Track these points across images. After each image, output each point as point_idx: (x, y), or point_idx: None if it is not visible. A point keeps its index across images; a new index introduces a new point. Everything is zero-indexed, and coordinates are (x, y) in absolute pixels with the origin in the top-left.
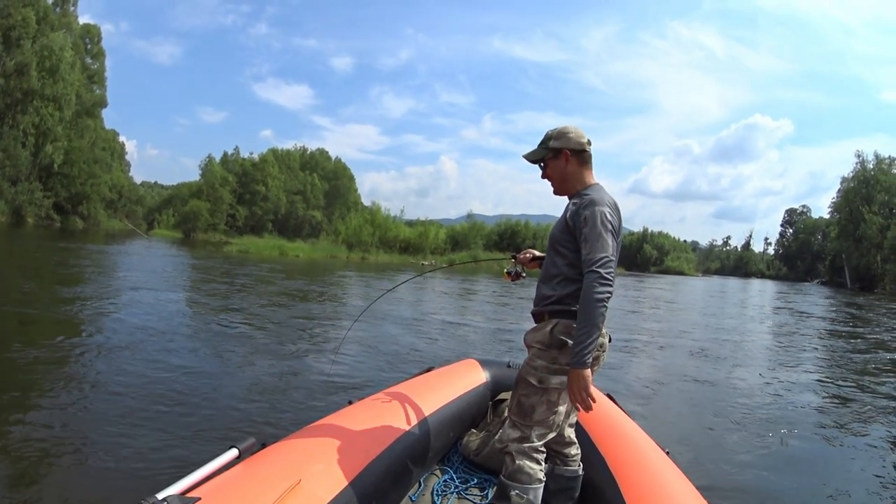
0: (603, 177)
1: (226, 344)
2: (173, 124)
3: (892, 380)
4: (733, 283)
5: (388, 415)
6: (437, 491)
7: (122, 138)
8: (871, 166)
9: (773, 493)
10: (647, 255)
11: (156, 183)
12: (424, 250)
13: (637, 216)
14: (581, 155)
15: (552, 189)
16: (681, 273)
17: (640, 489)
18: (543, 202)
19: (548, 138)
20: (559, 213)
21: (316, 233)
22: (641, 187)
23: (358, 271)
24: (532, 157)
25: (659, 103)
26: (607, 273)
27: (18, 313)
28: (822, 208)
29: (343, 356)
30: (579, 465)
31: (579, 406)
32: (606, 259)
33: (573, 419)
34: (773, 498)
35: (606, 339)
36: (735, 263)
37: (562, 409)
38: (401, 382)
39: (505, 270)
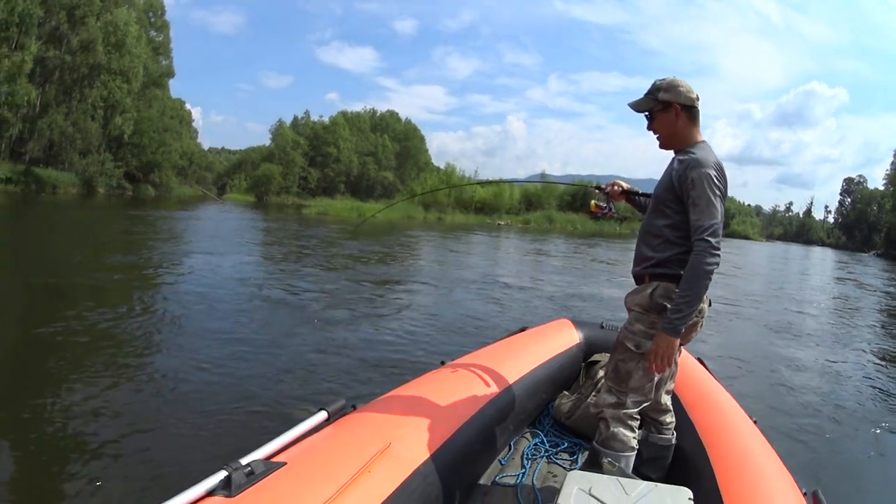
0: None
1: (311, 305)
2: (237, 91)
3: None
4: (795, 249)
5: (480, 376)
6: (527, 454)
7: (187, 106)
8: None
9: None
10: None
11: (223, 148)
12: (500, 210)
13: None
14: (690, 111)
15: (658, 143)
16: (746, 237)
17: (729, 459)
18: (612, 163)
19: (656, 89)
20: (627, 175)
21: (388, 193)
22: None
23: (434, 231)
24: (639, 107)
25: (719, 67)
26: (716, 242)
27: (96, 280)
28: (877, 179)
29: (434, 317)
30: (673, 434)
31: (655, 367)
32: (716, 226)
33: (670, 386)
34: (854, 475)
35: (706, 305)
36: (797, 230)
37: (657, 376)
38: (494, 342)
39: (595, 203)
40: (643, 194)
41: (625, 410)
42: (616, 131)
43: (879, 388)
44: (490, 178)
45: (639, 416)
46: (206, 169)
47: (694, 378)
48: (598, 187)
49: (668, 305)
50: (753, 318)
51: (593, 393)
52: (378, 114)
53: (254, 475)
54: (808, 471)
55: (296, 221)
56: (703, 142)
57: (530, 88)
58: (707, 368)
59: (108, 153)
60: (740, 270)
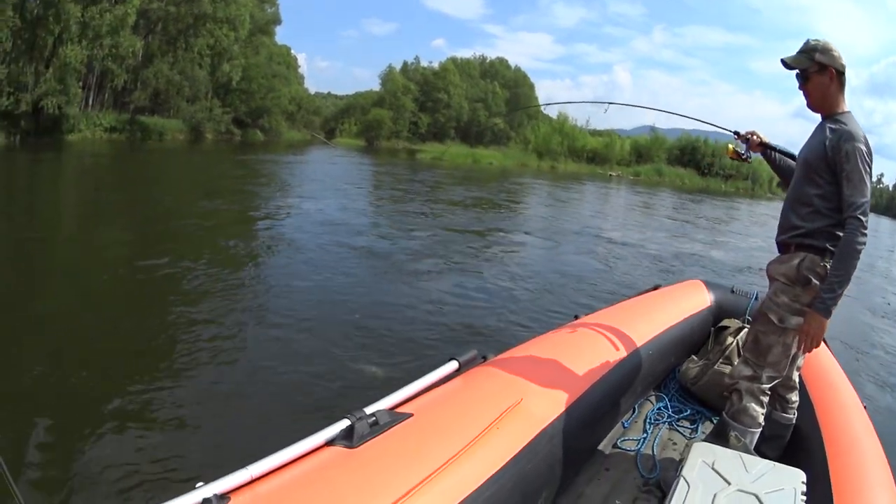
0: (768, 98)
1: (440, 251)
2: (341, 37)
3: None
4: (886, 223)
5: (612, 335)
6: (650, 419)
7: (293, 52)
8: None
9: None
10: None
11: (329, 93)
12: (610, 161)
13: (801, 141)
14: (841, 77)
15: (807, 103)
16: None
17: (842, 445)
18: (714, 118)
19: (812, 49)
20: (730, 129)
21: (498, 140)
22: (806, 112)
23: (551, 180)
24: (796, 65)
25: (813, 30)
26: (867, 220)
27: (215, 224)
28: None
29: (569, 269)
30: (795, 413)
31: (805, 347)
32: (866, 204)
33: (800, 363)
34: None
35: None
36: (887, 203)
37: (793, 352)
38: (627, 299)
39: (733, 148)
40: (780, 151)
41: (759, 385)
42: (718, 87)
43: None
44: (611, 129)
45: (770, 392)
46: (313, 113)
47: (817, 356)
48: (737, 133)
49: (813, 279)
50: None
51: (720, 360)
52: (487, 60)
53: (378, 426)
54: None
55: (412, 167)
56: (849, 112)
57: (635, 39)
58: (829, 347)
59: (216, 99)
60: None
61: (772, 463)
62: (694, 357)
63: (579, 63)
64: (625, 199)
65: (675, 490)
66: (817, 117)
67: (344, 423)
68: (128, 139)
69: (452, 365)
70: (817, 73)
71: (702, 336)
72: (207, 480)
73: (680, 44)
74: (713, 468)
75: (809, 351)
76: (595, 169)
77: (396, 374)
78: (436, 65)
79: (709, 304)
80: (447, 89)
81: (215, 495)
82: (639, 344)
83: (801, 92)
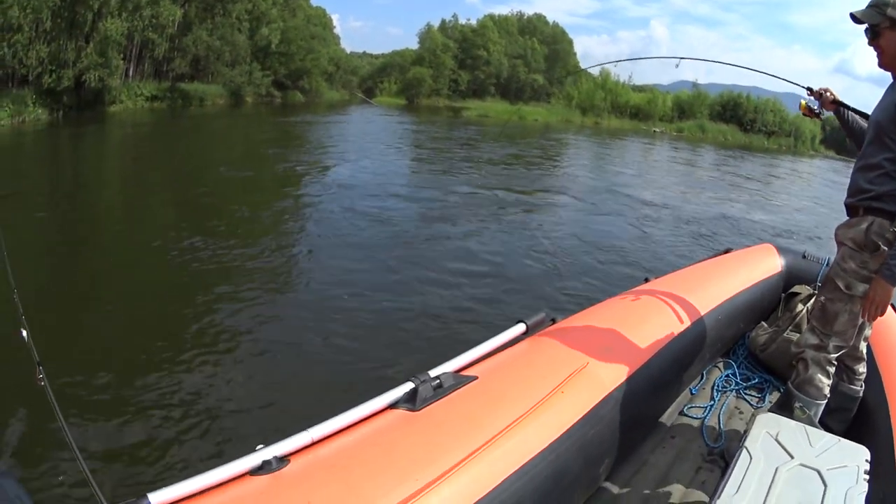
0: (807, 52)
1: (508, 211)
2: None
3: None
4: None
5: (681, 299)
6: (718, 386)
7: (328, 13)
8: None
9: None
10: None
11: (364, 52)
12: (653, 117)
13: (842, 97)
14: None
15: (878, 61)
16: None
17: None
18: (754, 74)
19: (884, 3)
20: (769, 88)
21: (538, 96)
22: (847, 67)
23: (596, 136)
24: (866, 19)
25: None
26: None
27: (257, 189)
28: None
29: (648, 229)
30: (862, 385)
31: (868, 315)
32: None
33: (868, 332)
34: None
35: None
36: None
37: (861, 321)
38: (698, 262)
39: (805, 104)
40: (854, 110)
41: (825, 354)
42: (757, 42)
43: None
44: (650, 85)
45: (836, 362)
46: (351, 73)
47: (887, 326)
48: (810, 89)
49: (882, 244)
50: None
51: (790, 327)
52: (525, 17)
53: (441, 388)
54: None
55: (458, 124)
56: None
57: None
58: None
59: (256, 63)
60: None
61: (836, 438)
62: (764, 323)
63: (615, 18)
64: (668, 155)
65: (737, 461)
66: (861, 73)
67: (408, 387)
68: (169, 107)
69: (520, 328)
70: (889, 28)
71: (772, 302)
72: (269, 443)
73: None
74: (777, 440)
75: (873, 319)
76: (638, 125)
77: (462, 336)
78: (474, 22)
79: (779, 269)
80: (486, 46)
81: (275, 457)
82: (708, 309)
83: (872, 48)
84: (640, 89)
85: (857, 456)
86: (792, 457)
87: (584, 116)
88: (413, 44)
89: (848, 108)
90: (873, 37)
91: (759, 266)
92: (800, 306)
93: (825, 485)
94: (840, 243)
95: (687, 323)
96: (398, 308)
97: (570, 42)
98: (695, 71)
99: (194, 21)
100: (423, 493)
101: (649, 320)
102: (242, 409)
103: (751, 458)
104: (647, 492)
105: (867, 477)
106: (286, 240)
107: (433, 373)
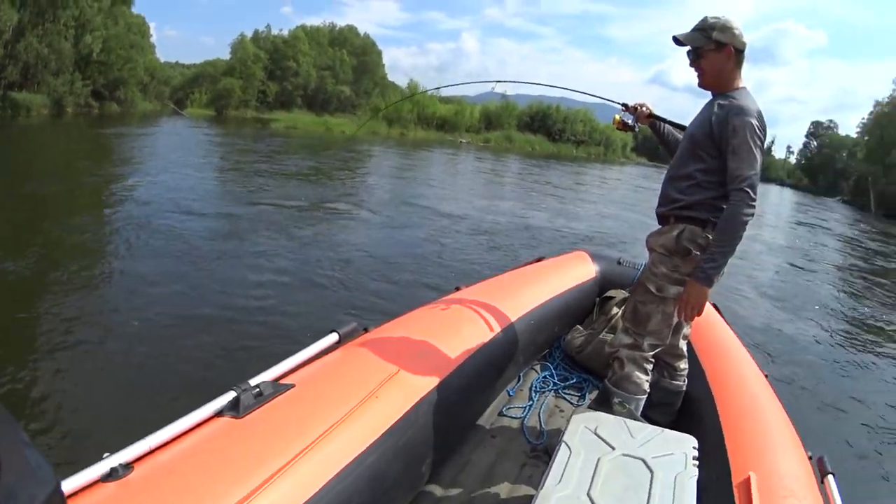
0: (623, 64)
1: (321, 225)
2: (191, 4)
3: None
4: (775, 190)
5: (494, 304)
6: (536, 387)
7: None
8: None
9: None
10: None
11: (177, 62)
12: (460, 128)
13: (657, 107)
14: (740, 55)
15: (699, 81)
16: None
17: (736, 411)
18: (569, 84)
19: (710, 27)
20: (580, 99)
21: (344, 107)
22: (663, 78)
23: (401, 147)
24: (691, 42)
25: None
26: (755, 193)
27: (72, 202)
28: (849, 126)
29: (450, 239)
30: (684, 381)
31: (685, 315)
32: (754, 177)
33: (687, 331)
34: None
35: None
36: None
37: (675, 321)
38: (510, 270)
39: (619, 119)
40: (669, 123)
41: (640, 352)
42: (571, 54)
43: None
44: (461, 96)
45: (653, 359)
46: (164, 83)
47: (708, 324)
48: (625, 105)
49: (693, 250)
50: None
51: (605, 329)
52: (337, 28)
53: (262, 396)
54: (817, 435)
55: (265, 137)
56: (745, 88)
57: (488, 6)
58: (722, 315)
59: (78, 72)
60: None
61: (660, 429)
62: (579, 327)
63: (427, 30)
64: (473, 166)
65: (556, 455)
66: (678, 84)
67: (230, 395)
68: None
69: (333, 337)
70: (714, 51)
71: (587, 306)
72: (113, 451)
73: (534, 12)
74: (596, 433)
75: (690, 320)
76: (444, 136)
77: (276, 346)
78: (286, 33)
79: (594, 275)
80: (296, 57)
81: (121, 464)
82: (521, 314)
83: (694, 69)
84: (447, 101)
85: (683, 444)
86: (613, 448)
87: (391, 128)
88: (225, 54)
89: (664, 121)
90: (696, 58)
91: (572, 272)
92: (615, 309)
93: (651, 471)
94: (651, 249)
95: (498, 328)
96: (210, 321)
97: (379, 53)
98: (501, 84)
99: (27, 27)
100: (255, 494)
101: (460, 327)
102: (83, 421)
103: (570, 451)
104: (473, 490)
105: (696, 463)
106: (88, 260)
107: (253, 381)
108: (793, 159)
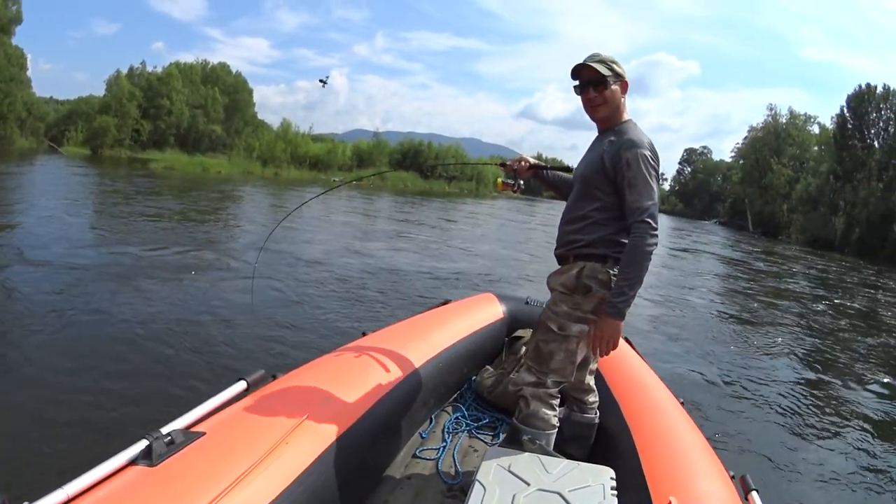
0: (492, 99)
1: (213, 271)
2: (66, 37)
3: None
4: (662, 220)
5: (401, 348)
6: (448, 428)
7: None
8: (784, 120)
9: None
10: (532, 184)
11: (51, 98)
12: (333, 166)
13: (526, 140)
14: (627, 87)
15: (596, 113)
16: None
17: (653, 439)
18: (435, 121)
19: (611, 61)
20: (449, 134)
21: (215, 147)
22: (532, 112)
23: (276, 187)
24: (596, 73)
25: (559, 32)
26: (655, 223)
27: None
28: (722, 151)
29: (353, 286)
30: (596, 413)
31: (601, 351)
32: (653, 208)
33: (593, 366)
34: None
35: None
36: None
37: (579, 358)
38: (418, 315)
39: (502, 181)
40: (551, 168)
41: (545, 389)
42: (441, 90)
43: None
44: (319, 134)
45: (559, 395)
46: (39, 119)
47: (619, 356)
48: (503, 164)
49: (593, 286)
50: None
51: (515, 369)
52: (210, 66)
53: (174, 444)
54: (737, 455)
55: (142, 177)
56: (631, 120)
57: (357, 44)
58: (633, 346)
59: None
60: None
61: (575, 463)
62: (489, 367)
63: (295, 68)
64: (346, 205)
65: (470, 494)
66: (547, 117)
67: (143, 444)
68: None
69: (241, 385)
70: (615, 84)
71: (496, 347)
72: (29, 500)
73: (403, 48)
74: (510, 471)
75: (606, 354)
76: (318, 175)
77: (182, 393)
78: (160, 70)
79: (501, 315)
80: (170, 95)
81: None
82: (430, 356)
83: (587, 101)
84: (318, 139)
85: (600, 475)
86: (528, 484)
87: (265, 168)
88: (99, 90)
89: (546, 168)
90: (599, 92)
91: (480, 314)
92: (524, 349)
93: None
94: (552, 289)
95: (407, 370)
96: (107, 369)
97: (251, 92)
98: (371, 118)
99: None
100: None
101: (369, 371)
102: None
103: (485, 490)
104: None
105: (615, 493)
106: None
107: (164, 430)
108: (666, 186)
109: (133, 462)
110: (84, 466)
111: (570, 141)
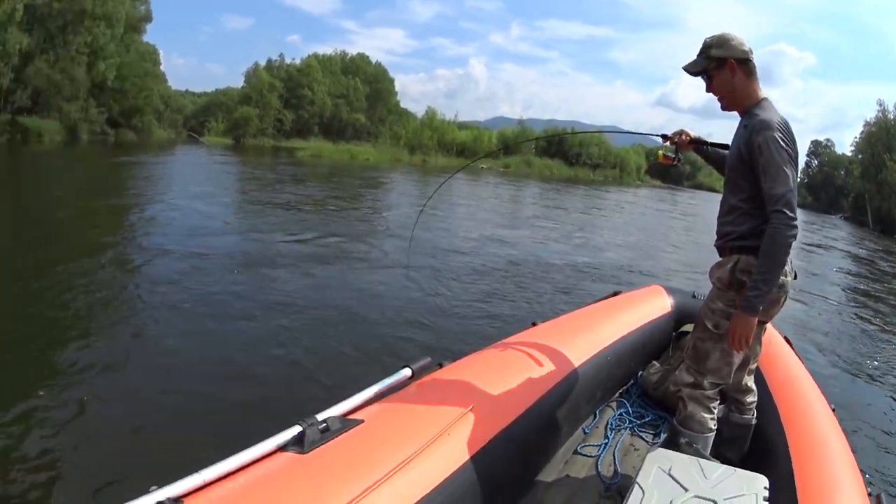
0: (629, 88)
1: (377, 258)
2: (199, 32)
3: None
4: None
5: (570, 340)
6: (611, 425)
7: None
8: (892, 116)
9: None
10: (680, 170)
11: (187, 91)
12: (479, 153)
13: (664, 129)
14: (747, 65)
15: (720, 105)
16: (712, 189)
17: (807, 448)
18: (574, 108)
19: (707, 46)
20: (589, 121)
21: (359, 135)
22: (668, 100)
23: (424, 173)
24: (693, 69)
25: (685, 21)
26: (791, 212)
27: (91, 238)
28: (844, 144)
29: (526, 278)
30: (753, 414)
31: (734, 347)
32: (789, 195)
33: (753, 366)
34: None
35: (790, 279)
36: None
37: (737, 359)
38: (586, 306)
39: (663, 153)
40: (712, 144)
41: (701, 391)
42: (578, 78)
43: None
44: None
45: (717, 396)
46: (177, 112)
47: (779, 357)
48: (664, 136)
49: (748, 281)
50: None
51: (681, 365)
52: (349, 56)
53: (329, 432)
54: (874, 472)
55: (294, 165)
56: (766, 99)
57: (493, 33)
58: (793, 348)
59: (92, 99)
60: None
61: (732, 469)
62: (655, 363)
63: (434, 56)
64: (497, 192)
65: (629, 497)
66: (683, 105)
67: (295, 430)
68: (8, 141)
69: (406, 372)
70: (717, 69)
71: (663, 341)
72: (161, 484)
73: (538, 37)
74: (670, 474)
75: (739, 350)
76: (465, 162)
77: (345, 381)
78: (298, 62)
79: (669, 309)
80: (311, 86)
81: (169, 498)
82: (597, 350)
83: (713, 94)
84: (462, 126)
85: (754, 484)
86: (686, 489)
87: (412, 155)
88: (236, 82)
89: (706, 143)
90: (709, 82)
91: (648, 307)
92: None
93: None
94: (712, 283)
95: (575, 363)
96: (269, 355)
97: (392, 81)
98: (512, 106)
99: (35, 51)
100: None
101: (536, 362)
102: (122, 450)
103: (643, 494)
104: None
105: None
106: (144, 290)
107: (320, 416)
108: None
109: (283, 448)
110: (231, 452)
111: (706, 129)
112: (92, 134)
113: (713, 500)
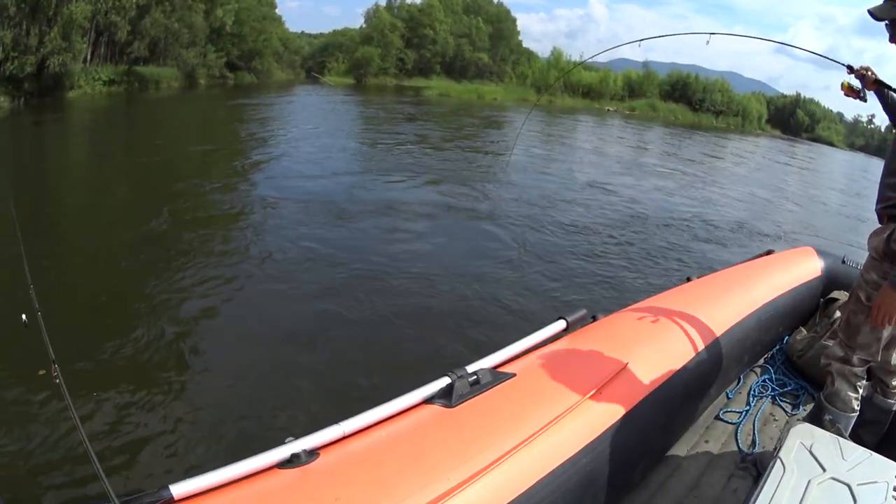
0: (749, 33)
1: (528, 205)
2: None
3: None
4: (877, 164)
5: (724, 299)
6: (754, 391)
7: None
8: None
9: None
10: (799, 121)
11: (303, 32)
12: (605, 95)
13: (783, 77)
14: None
15: None
16: (830, 144)
17: None
18: (694, 53)
19: None
20: (709, 66)
21: (482, 74)
22: (787, 49)
23: (550, 114)
24: (881, 14)
25: None
26: None
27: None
28: None
29: (682, 230)
30: None
31: (877, 322)
32: None
33: None
34: None
35: None
36: (879, 144)
37: (886, 334)
38: (739, 264)
39: (847, 84)
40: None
41: (850, 367)
42: (698, 22)
43: None
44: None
45: (864, 375)
46: (295, 53)
47: None
48: (850, 67)
49: None
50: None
51: (827, 334)
52: None
53: (478, 385)
54: None
55: (423, 104)
56: None
57: None
58: None
59: (210, 45)
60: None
61: (868, 452)
62: (802, 329)
63: None
64: (627, 136)
65: (770, 472)
66: (801, 55)
67: (444, 382)
68: (126, 91)
69: (560, 324)
70: None
71: (811, 307)
72: (299, 436)
73: None
74: (811, 451)
75: (883, 326)
76: (591, 104)
77: (498, 331)
78: (419, 1)
79: (819, 273)
80: (433, 25)
81: (304, 450)
82: (748, 312)
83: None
84: (587, 68)
85: (887, 471)
86: (824, 469)
87: (539, 95)
88: (351, 23)
89: (891, 88)
90: (894, 33)
91: (799, 269)
92: (837, 313)
93: (854, 500)
94: (869, 252)
95: (727, 325)
96: (426, 302)
97: (514, 21)
98: (633, 48)
99: (151, 3)
100: (454, 492)
101: (690, 321)
102: (267, 402)
103: (784, 470)
104: (678, 497)
105: (895, 494)
106: (282, 232)
107: (470, 368)
108: None
109: (430, 401)
110: (372, 404)
111: (824, 81)
112: (210, 78)
113: (847, 484)
